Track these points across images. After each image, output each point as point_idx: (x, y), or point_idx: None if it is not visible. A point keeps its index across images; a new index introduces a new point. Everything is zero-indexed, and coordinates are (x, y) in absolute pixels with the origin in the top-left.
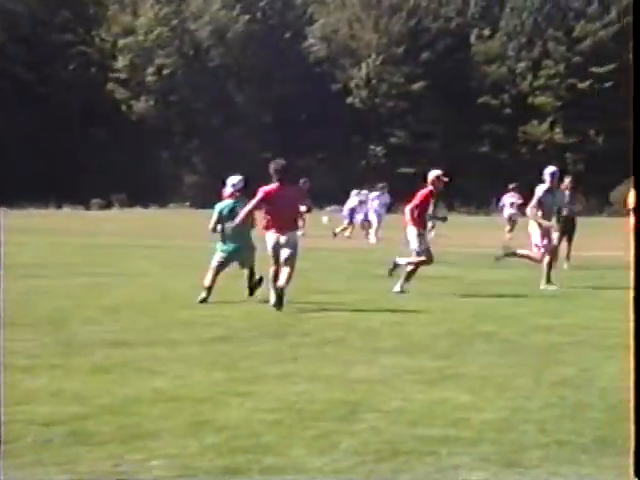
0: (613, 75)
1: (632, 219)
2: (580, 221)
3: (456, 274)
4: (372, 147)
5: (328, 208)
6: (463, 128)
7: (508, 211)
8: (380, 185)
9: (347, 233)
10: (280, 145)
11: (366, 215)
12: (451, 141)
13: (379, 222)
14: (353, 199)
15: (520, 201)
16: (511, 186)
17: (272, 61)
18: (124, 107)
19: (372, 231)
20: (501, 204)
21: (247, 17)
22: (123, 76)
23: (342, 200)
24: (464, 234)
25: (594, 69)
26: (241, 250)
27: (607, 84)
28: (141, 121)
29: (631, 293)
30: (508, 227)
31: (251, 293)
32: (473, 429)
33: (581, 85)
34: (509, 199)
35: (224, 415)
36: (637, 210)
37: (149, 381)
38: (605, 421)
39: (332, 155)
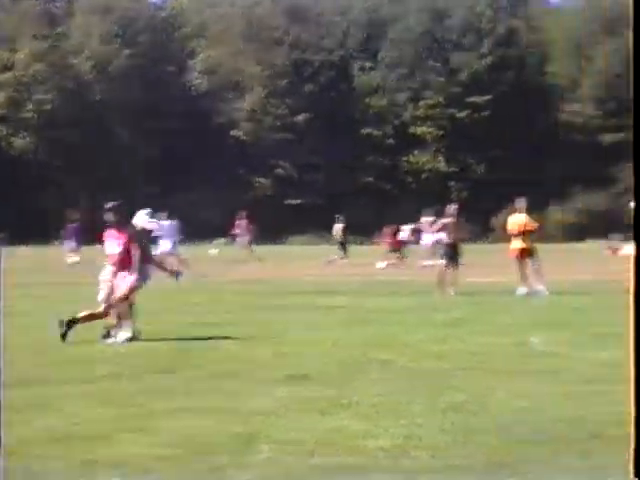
0: (490, 105)
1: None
2: (464, 248)
3: (349, 303)
4: (258, 179)
5: (215, 241)
6: (347, 159)
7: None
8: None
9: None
10: (166, 179)
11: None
12: (336, 172)
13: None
14: None
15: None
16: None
17: (155, 95)
18: (4, 143)
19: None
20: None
21: (128, 51)
22: (2, 112)
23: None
24: (356, 263)
25: (472, 99)
26: None
27: (484, 113)
28: (20, 157)
29: (631, 293)
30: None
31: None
32: (368, 456)
33: (460, 115)
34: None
35: (117, 452)
36: (637, 214)
37: (42, 420)
38: (497, 445)
39: (217, 188)
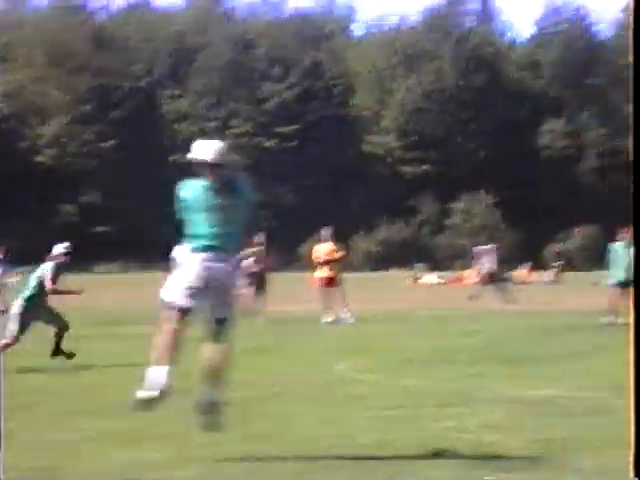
0: (297, 134)
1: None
2: (272, 276)
3: (147, 332)
4: (63, 206)
5: (17, 269)
6: (154, 187)
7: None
8: None
9: None
10: None
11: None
12: (142, 200)
13: None
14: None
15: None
16: None
17: None
18: None
19: None
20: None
21: None
22: None
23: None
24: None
25: (279, 129)
26: None
27: (292, 143)
28: None
29: (632, 294)
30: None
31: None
32: None
33: (268, 144)
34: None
35: None
36: (636, 214)
37: None
38: (299, 471)
39: (23, 215)
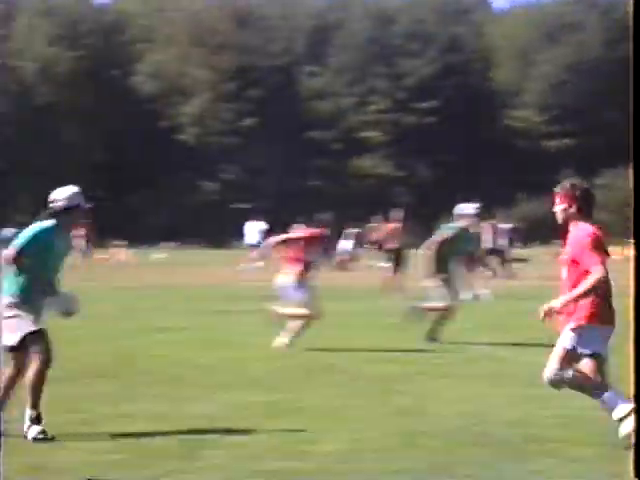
0: (435, 110)
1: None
2: (411, 253)
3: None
4: (204, 183)
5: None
6: (294, 162)
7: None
8: None
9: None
10: (110, 182)
11: None
12: (282, 175)
13: None
14: None
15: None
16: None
17: (100, 98)
18: None
19: None
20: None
21: (73, 54)
22: None
23: (173, 237)
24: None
25: (417, 105)
26: None
27: (430, 119)
28: None
29: (631, 294)
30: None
31: None
32: (315, 461)
33: (406, 120)
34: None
35: (63, 458)
36: (636, 219)
37: None
38: (439, 447)
39: (162, 192)
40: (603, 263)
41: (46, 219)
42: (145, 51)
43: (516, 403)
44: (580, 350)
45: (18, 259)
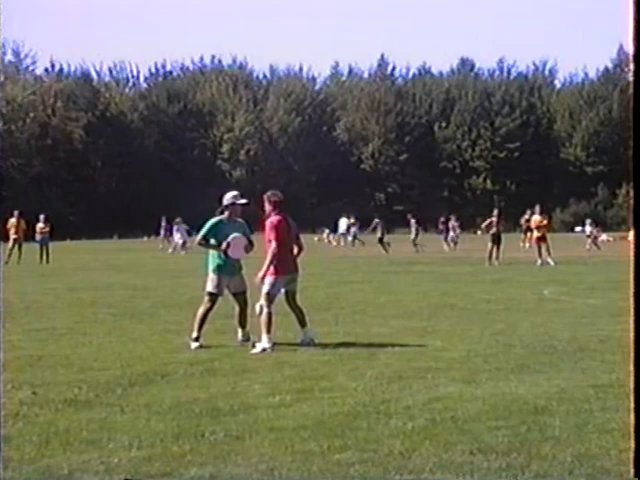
0: (518, 149)
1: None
2: (504, 236)
3: (430, 270)
4: (376, 194)
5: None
6: (431, 181)
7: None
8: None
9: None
10: (318, 192)
11: None
12: (417, 189)
13: None
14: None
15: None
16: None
17: (315, 145)
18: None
19: None
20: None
21: (299, 118)
22: None
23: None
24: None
25: (508, 145)
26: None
27: (515, 154)
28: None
29: (631, 294)
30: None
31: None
32: (445, 362)
33: (500, 155)
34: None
35: (295, 357)
36: (637, 216)
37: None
38: (522, 354)
39: (352, 201)
40: None
41: (220, 214)
42: (342, 115)
43: (570, 327)
44: None
45: (200, 241)
